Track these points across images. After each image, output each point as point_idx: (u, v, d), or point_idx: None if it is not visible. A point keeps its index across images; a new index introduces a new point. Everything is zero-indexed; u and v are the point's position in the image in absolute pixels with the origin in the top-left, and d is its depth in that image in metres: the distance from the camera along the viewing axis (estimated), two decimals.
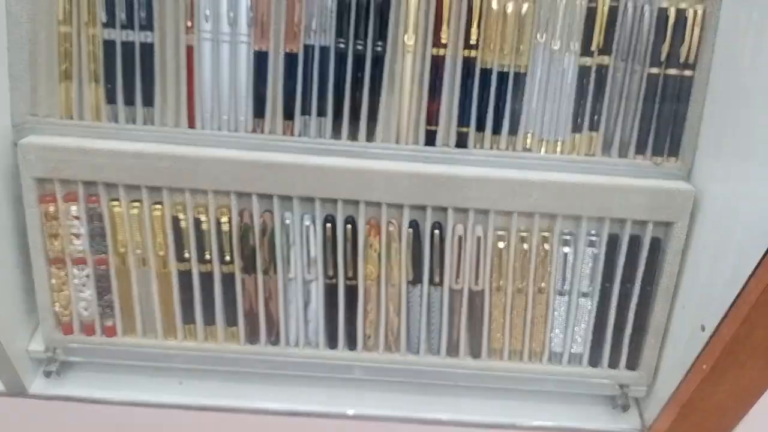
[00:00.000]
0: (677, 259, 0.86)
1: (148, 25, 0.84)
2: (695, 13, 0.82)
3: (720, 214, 0.81)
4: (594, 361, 0.93)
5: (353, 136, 0.87)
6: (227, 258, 0.89)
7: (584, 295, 0.89)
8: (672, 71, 0.84)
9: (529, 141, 0.87)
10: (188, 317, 0.93)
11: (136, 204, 0.87)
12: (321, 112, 0.87)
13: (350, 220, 0.88)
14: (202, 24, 0.84)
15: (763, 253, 0.71)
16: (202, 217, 0.87)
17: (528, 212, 0.86)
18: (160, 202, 0.87)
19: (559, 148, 0.87)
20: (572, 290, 0.89)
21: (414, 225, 0.88)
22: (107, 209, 0.87)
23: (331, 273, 0.89)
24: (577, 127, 0.87)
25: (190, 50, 0.85)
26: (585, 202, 0.85)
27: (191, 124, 0.87)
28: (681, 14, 0.82)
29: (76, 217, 0.87)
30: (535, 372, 0.94)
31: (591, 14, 0.83)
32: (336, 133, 0.87)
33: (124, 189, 0.86)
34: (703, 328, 0.80)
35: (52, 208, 0.87)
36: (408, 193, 0.85)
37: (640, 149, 0.87)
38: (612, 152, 0.87)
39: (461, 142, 0.87)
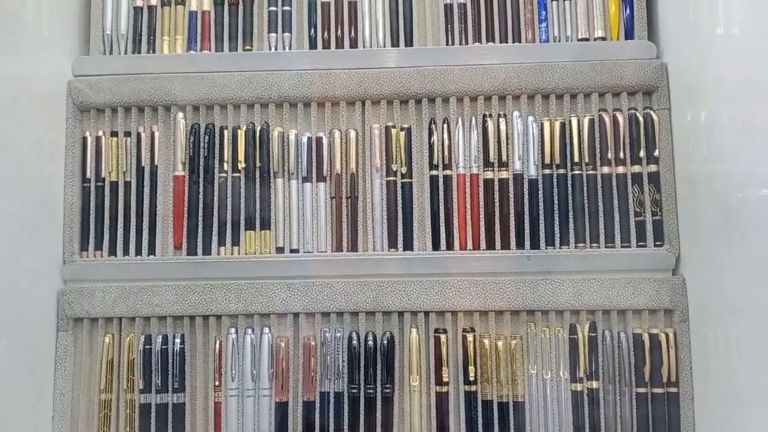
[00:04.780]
0: None
1: (180, 387, 0.94)
2: (667, 336, 0.92)
3: None
4: None
5: None
6: None
7: None
8: (657, 390, 0.91)
9: None
10: None
11: None
12: None
13: None
14: (229, 382, 0.93)
15: None
16: None
17: None
18: None
19: None
20: None
21: None
22: None
23: None
24: None
25: (217, 406, 0.94)
26: None
27: None
28: (654, 338, 0.92)
29: None
30: None
31: (573, 344, 0.93)
32: None
33: None
34: None
35: None
36: None
37: None
38: None
39: None
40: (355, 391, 0.93)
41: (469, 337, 0.93)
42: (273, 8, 1.03)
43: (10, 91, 0.87)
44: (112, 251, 0.98)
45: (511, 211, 0.96)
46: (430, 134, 0.98)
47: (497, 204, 0.96)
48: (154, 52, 1.03)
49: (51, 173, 0.98)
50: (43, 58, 0.97)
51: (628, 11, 1.00)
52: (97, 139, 1.00)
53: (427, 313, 0.94)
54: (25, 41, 0.92)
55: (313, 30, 1.02)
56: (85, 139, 1.01)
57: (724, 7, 0.83)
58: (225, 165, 0.99)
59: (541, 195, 0.96)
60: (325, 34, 1.02)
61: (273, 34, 1.02)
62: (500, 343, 0.93)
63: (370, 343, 0.94)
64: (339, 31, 1.02)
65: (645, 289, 0.92)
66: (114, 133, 1.01)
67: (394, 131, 0.99)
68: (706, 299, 0.89)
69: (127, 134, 1.01)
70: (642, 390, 0.91)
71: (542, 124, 0.97)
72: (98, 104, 1.00)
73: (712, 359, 0.87)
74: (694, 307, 0.91)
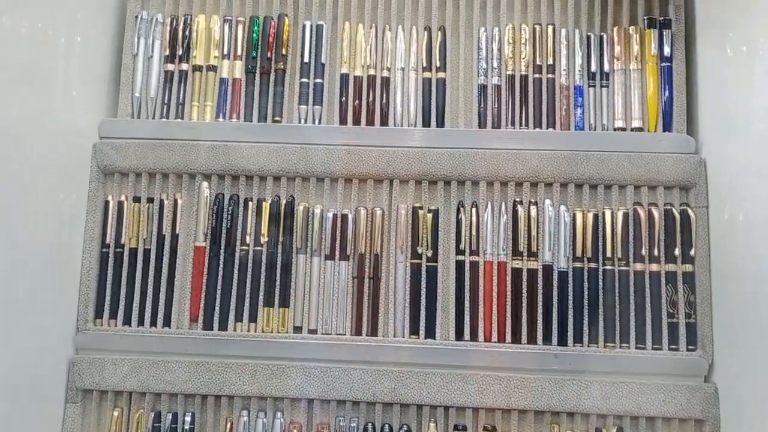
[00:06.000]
0: None
1: None
2: None
3: None
4: None
5: None
6: None
7: None
8: None
9: None
10: None
11: None
12: None
13: None
14: None
15: None
16: None
17: None
18: None
19: None
20: None
21: None
22: None
23: None
24: None
25: None
26: None
27: None
28: None
29: None
30: None
31: None
32: None
33: None
34: None
35: None
36: None
37: None
38: None
39: None
40: None
41: None
42: (305, 80, 1.02)
43: (35, 150, 0.85)
44: (127, 320, 0.96)
45: (539, 303, 0.93)
46: (458, 217, 0.96)
47: (524, 295, 0.93)
48: (182, 117, 1.01)
49: (70, 236, 0.96)
50: (70, 119, 0.96)
51: (667, 100, 0.98)
52: (119, 204, 0.99)
53: (446, 408, 0.91)
54: (53, 100, 0.91)
55: (344, 104, 1.01)
56: (107, 203, 0.99)
57: (763, 102, 0.80)
58: (247, 238, 0.97)
59: (570, 289, 0.93)
60: (356, 107, 1.00)
61: (303, 106, 1.01)
62: None
63: None
64: (370, 106, 1.00)
65: (675, 396, 0.88)
66: (137, 199, 0.99)
67: (421, 212, 0.96)
68: (739, 411, 0.85)
69: (150, 200, 0.99)
70: None
71: (574, 215, 0.95)
72: (122, 168, 0.99)
73: None
74: (726, 419, 0.87)
